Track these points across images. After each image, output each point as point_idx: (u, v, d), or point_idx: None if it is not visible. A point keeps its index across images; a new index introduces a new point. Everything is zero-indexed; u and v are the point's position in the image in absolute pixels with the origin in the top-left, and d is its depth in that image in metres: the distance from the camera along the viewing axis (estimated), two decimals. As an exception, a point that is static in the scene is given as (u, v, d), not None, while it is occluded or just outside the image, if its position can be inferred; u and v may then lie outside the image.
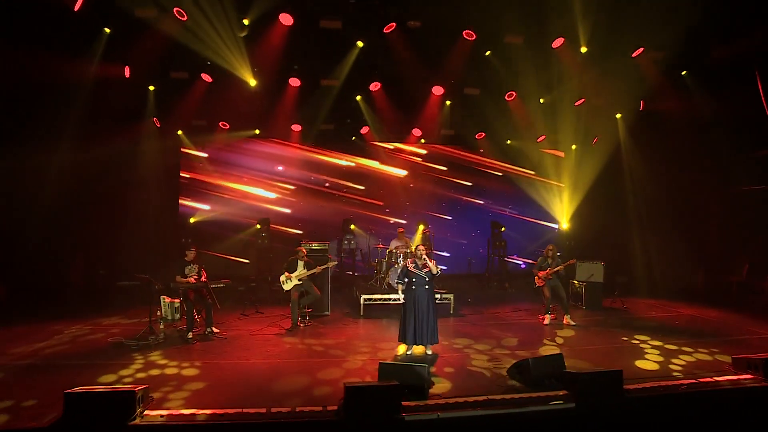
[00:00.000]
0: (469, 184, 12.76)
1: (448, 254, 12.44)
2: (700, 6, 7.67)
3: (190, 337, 6.54)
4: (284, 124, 11.26)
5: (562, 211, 12.32)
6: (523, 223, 12.84)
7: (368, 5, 8.15)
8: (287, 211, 11.97)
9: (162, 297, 7.66)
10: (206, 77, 9.82)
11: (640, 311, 8.63)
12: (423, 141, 12.43)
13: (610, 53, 8.97)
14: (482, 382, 5.04)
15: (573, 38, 8.74)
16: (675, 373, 5.25)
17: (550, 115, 11.14)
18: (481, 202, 12.87)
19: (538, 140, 12.20)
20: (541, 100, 11.07)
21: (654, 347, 6.29)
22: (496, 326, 7.53)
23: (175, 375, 5.19)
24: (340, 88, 10.08)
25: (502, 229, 11.52)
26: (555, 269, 7.72)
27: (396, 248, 9.13)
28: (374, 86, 10.54)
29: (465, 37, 8.95)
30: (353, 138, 12.07)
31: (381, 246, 9.88)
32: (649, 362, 5.70)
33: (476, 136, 12.24)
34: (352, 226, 11.60)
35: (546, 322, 7.69)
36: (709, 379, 4.78)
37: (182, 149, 11.60)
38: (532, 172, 12.50)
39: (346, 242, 11.28)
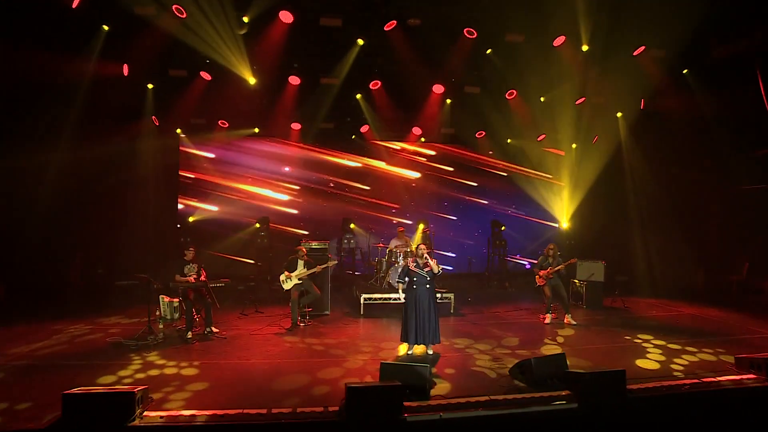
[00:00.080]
0: (475, 184, 12.73)
1: (453, 254, 12.42)
2: (701, 5, 7.64)
3: (190, 336, 6.50)
4: (284, 122, 11.20)
5: (562, 210, 12.30)
6: (524, 222, 12.81)
7: (369, 3, 8.12)
8: (294, 211, 11.92)
9: (161, 296, 7.61)
10: (205, 75, 9.76)
11: (641, 310, 8.61)
12: (423, 140, 12.39)
13: (612, 51, 8.94)
14: (484, 382, 5.01)
15: (574, 36, 8.71)
16: (676, 373, 5.24)
17: (551, 113, 11.10)
18: (485, 202, 12.84)
19: (539, 139, 12.17)
20: (542, 99, 11.04)
21: (657, 347, 6.27)
22: (497, 326, 7.51)
23: (175, 375, 5.15)
24: (340, 86, 10.03)
25: (502, 228, 11.50)
26: (556, 268, 7.69)
27: (396, 247, 9.10)
28: (374, 84, 10.50)
29: (466, 35, 8.91)
30: (353, 137, 12.02)
31: (381, 245, 9.85)
32: (651, 362, 5.69)
33: (476, 135, 12.21)
34: (352, 225, 11.56)
35: (547, 321, 7.67)
36: (712, 379, 4.76)
37: (182, 148, 11.54)
38: (533, 171, 12.47)
39: (345, 241, 11.24)
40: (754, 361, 4.88)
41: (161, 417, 3.88)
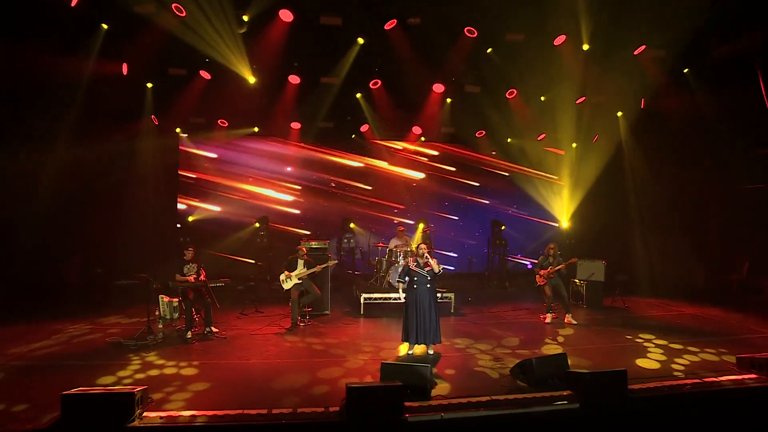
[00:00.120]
0: (477, 184, 12.71)
1: (455, 254, 12.40)
2: (701, 4, 7.62)
3: (189, 336, 6.48)
4: (284, 121, 11.18)
5: (562, 209, 12.29)
6: (524, 221, 12.80)
7: (369, 2, 8.10)
8: (296, 211, 11.89)
9: (160, 296, 7.59)
10: (205, 74, 9.73)
11: (641, 310, 8.60)
12: (423, 139, 12.37)
13: (612, 51, 8.92)
14: (485, 382, 5.00)
15: (575, 36, 8.69)
16: (677, 373, 5.22)
17: (551, 113, 11.08)
18: (487, 201, 12.82)
19: (539, 138, 12.16)
20: (542, 98, 11.03)
21: (658, 346, 6.26)
22: (497, 325, 7.49)
23: (175, 375, 5.13)
24: (340, 85, 10.00)
25: (502, 227, 11.49)
26: (556, 268, 7.68)
27: (396, 247, 9.08)
28: (374, 84, 10.47)
29: (466, 34, 8.89)
30: (353, 136, 12.00)
31: (381, 245, 9.83)
32: (651, 361, 5.68)
33: (476, 135, 12.19)
34: (352, 225, 11.55)
35: (547, 321, 7.66)
36: (714, 379, 4.75)
37: (183, 148, 11.51)
38: (534, 171, 12.45)
39: (345, 241, 11.22)
40: (756, 360, 4.87)
41: (161, 418, 3.86)
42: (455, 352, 6.07)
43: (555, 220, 12.54)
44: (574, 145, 11.96)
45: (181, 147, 11.53)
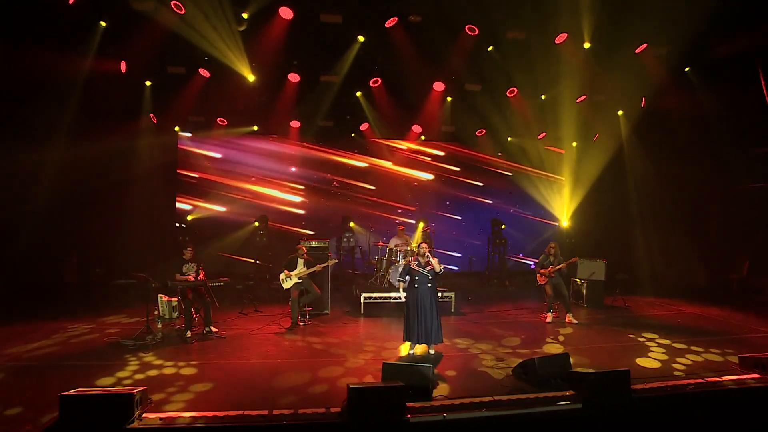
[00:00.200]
0: (480, 184, 12.68)
1: (459, 255, 12.36)
2: (702, 3, 7.59)
3: (189, 336, 6.43)
4: (283, 120, 11.13)
5: (562, 208, 12.26)
6: (524, 220, 12.78)
7: (369, -1, 8.06)
8: (301, 212, 11.84)
9: (159, 296, 7.54)
10: (204, 72, 9.67)
11: (642, 309, 8.59)
12: (423, 138, 12.33)
13: (613, 49, 8.89)
14: (487, 382, 4.97)
15: (576, 34, 8.65)
16: (677, 373, 5.20)
17: (552, 111, 11.06)
18: (490, 201, 12.79)
19: (539, 137, 12.13)
20: (543, 97, 11.00)
21: (660, 345, 6.25)
22: (498, 325, 7.47)
23: (174, 376, 5.09)
24: (340, 84, 9.95)
25: (503, 226, 11.46)
26: (557, 267, 7.66)
27: (396, 246, 9.04)
28: (374, 82, 10.42)
29: (467, 32, 8.85)
30: (353, 135, 11.95)
31: (381, 244, 9.80)
32: (652, 360, 5.66)
33: (476, 133, 12.16)
34: (352, 224, 11.51)
35: (548, 320, 7.64)
36: (717, 379, 4.72)
37: (186, 148, 11.44)
38: (534, 170, 12.43)
39: (345, 240, 11.19)
40: (759, 360, 4.85)
41: (160, 419, 3.81)
42: (456, 352, 6.04)
43: (555, 219, 12.52)
44: (574, 144, 11.94)
45: (183, 147, 11.47)
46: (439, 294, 7.64)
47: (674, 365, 5.47)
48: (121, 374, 5.10)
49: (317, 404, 4.20)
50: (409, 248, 8.70)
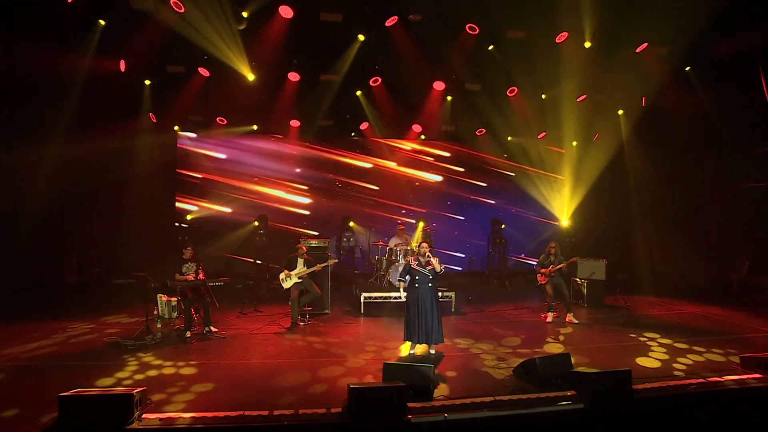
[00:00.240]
0: (484, 184, 12.65)
1: (462, 255, 12.34)
2: (704, 1, 7.58)
3: (188, 336, 6.41)
4: (283, 119, 11.10)
5: (562, 208, 12.25)
6: (524, 220, 12.76)
7: (369, -3, 8.03)
8: (306, 212, 11.81)
9: (159, 295, 7.50)
10: (203, 71, 9.64)
11: (642, 309, 8.58)
12: (423, 137, 12.31)
13: (614, 48, 8.88)
14: (488, 382, 4.95)
15: (577, 33, 8.63)
16: (677, 372, 5.19)
17: (552, 111, 11.04)
18: (493, 201, 12.77)
19: (539, 136, 12.11)
20: (543, 96, 10.98)
21: (662, 345, 6.24)
22: (498, 324, 7.45)
23: (174, 376, 5.06)
24: (340, 83, 9.92)
25: (502, 226, 11.44)
26: (558, 267, 7.64)
27: (396, 245, 9.02)
28: (374, 81, 10.40)
29: (468, 31, 8.83)
30: (353, 134, 11.92)
31: (381, 243, 9.77)
32: (652, 360, 5.65)
33: (477, 133, 12.14)
34: (351, 223, 11.49)
35: (549, 320, 7.63)
36: (719, 379, 4.71)
37: (188, 148, 11.40)
38: (534, 169, 12.41)
39: (345, 239, 11.16)
40: (761, 360, 4.84)
41: (160, 419, 3.79)
42: (457, 352, 6.02)
43: (555, 218, 12.51)
44: (574, 143, 11.93)
45: (186, 147, 11.43)
46: (440, 294, 7.63)
47: (675, 365, 5.46)
48: (120, 374, 5.07)
49: (318, 404, 4.18)
50: (409, 248, 8.68)
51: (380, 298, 8.22)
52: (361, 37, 9.01)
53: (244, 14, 8.02)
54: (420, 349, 5.95)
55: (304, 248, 7.52)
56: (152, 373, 5.15)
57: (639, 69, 9.49)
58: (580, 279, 8.95)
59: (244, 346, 6.19)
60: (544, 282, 7.74)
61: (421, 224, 10.58)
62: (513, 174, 12.51)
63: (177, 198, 11.45)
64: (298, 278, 7.25)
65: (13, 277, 8.55)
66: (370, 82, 10.43)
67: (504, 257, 11.55)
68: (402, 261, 8.48)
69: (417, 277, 5.91)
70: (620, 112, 11.29)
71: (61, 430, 3.58)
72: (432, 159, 12.55)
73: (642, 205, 11.11)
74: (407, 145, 12.43)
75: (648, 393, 4.44)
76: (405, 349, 6.03)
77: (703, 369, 5.24)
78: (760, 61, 8.54)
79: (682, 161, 10.63)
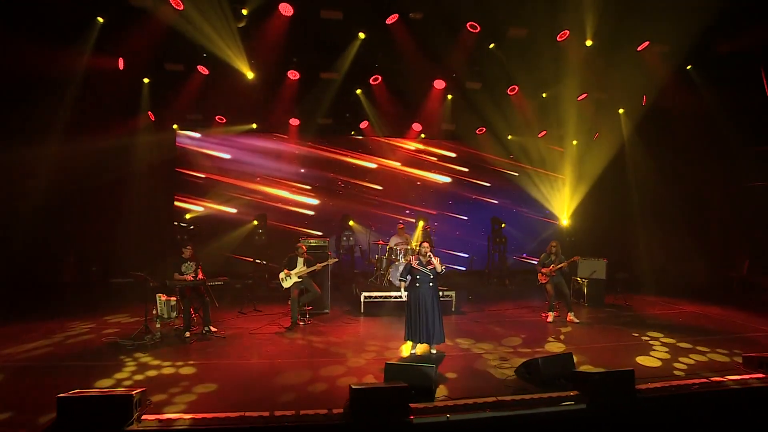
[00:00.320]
0: (488, 184, 12.62)
1: (466, 255, 12.31)
2: (705, 1, 7.55)
3: (188, 336, 6.37)
4: (282, 118, 11.03)
5: (563, 207, 12.23)
6: (524, 219, 12.72)
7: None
8: (311, 213, 11.76)
9: (158, 295, 7.45)
10: (203, 69, 9.57)
11: (643, 308, 8.57)
12: (423, 136, 12.26)
13: (615, 47, 8.84)
14: (490, 382, 4.92)
15: (578, 31, 8.60)
16: (677, 372, 5.17)
17: (553, 109, 11.01)
18: (496, 201, 12.73)
19: (540, 135, 12.08)
20: (544, 95, 10.94)
21: (663, 344, 6.22)
22: (499, 324, 7.43)
23: (173, 376, 5.02)
24: (341, 81, 9.87)
25: (502, 225, 11.41)
26: (559, 266, 7.61)
27: (396, 245, 8.98)
28: (374, 80, 10.35)
29: (468, 29, 8.78)
30: (352, 133, 11.87)
31: (381, 242, 9.73)
32: (653, 359, 5.63)
33: (477, 131, 12.11)
34: (351, 222, 11.44)
35: (549, 319, 7.60)
36: (721, 379, 4.70)
37: (189, 146, 11.34)
38: (534, 168, 12.38)
39: (344, 238, 11.11)
40: (764, 359, 4.82)
41: (160, 421, 3.76)
42: (458, 352, 5.99)
43: (555, 217, 12.49)
44: (574, 142, 11.90)
45: (185, 146, 11.36)
46: (440, 293, 7.60)
47: (675, 364, 5.44)
48: (119, 375, 5.03)
49: (319, 405, 4.15)
50: (409, 247, 8.64)
51: (380, 297, 8.19)
52: (361, 35, 8.96)
53: (244, 12, 7.96)
54: (421, 348, 5.92)
55: (304, 247, 7.47)
56: (151, 373, 5.11)
57: (640, 67, 9.46)
58: (581, 278, 8.93)
59: (243, 346, 6.15)
60: (544, 281, 7.72)
61: (421, 223, 10.53)
62: (516, 174, 12.46)
63: (176, 197, 11.38)
64: (298, 277, 7.21)
65: (10, 276, 8.49)
66: (371, 81, 10.37)
67: (504, 256, 11.52)
68: (402, 260, 8.45)
69: (418, 277, 5.88)
70: (621, 110, 11.26)
71: (60, 431, 3.54)
72: (435, 159, 12.49)
73: (642, 204, 11.09)
74: (412, 145, 12.37)
75: (651, 393, 4.43)
76: (406, 349, 6.00)
77: (704, 369, 5.22)
78: (761, 60, 8.52)
79: (683, 160, 10.62)
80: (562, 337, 6.75)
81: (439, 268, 5.84)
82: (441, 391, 4.60)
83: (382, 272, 9.20)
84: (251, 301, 8.38)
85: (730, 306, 8.52)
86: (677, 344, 6.21)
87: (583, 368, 5.17)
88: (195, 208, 11.43)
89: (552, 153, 12.27)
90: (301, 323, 7.25)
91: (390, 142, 12.23)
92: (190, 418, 3.82)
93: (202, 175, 11.38)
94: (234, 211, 11.41)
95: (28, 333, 6.57)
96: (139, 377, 4.99)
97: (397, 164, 12.23)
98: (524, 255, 12.43)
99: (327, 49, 9.23)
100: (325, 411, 3.99)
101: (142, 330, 6.29)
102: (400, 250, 8.75)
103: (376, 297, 8.18)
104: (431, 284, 5.86)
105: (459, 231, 12.50)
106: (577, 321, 7.49)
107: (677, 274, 10.47)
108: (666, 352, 5.92)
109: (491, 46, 9.32)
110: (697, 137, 10.22)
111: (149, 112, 10.40)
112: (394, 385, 4.00)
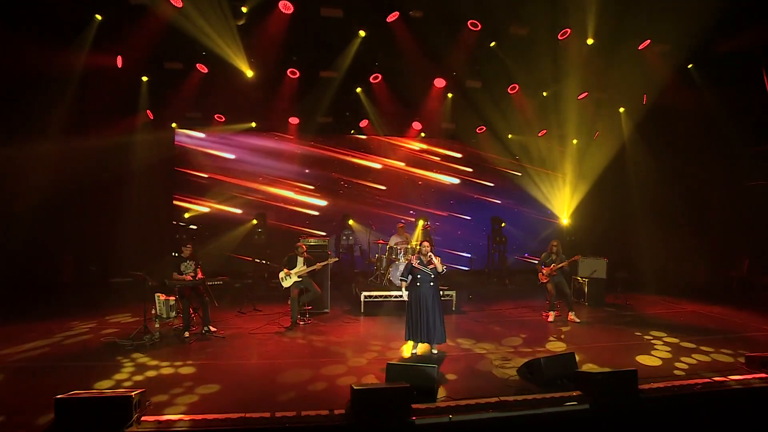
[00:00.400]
0: (492, 184, 12.59)
1: (469, 255, 12.27)
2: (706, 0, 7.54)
3: (187, 336, 6.33)
4: (282, 116, 10.98)
5: (563, 206, 12.21)
6: (524, 218, 12.71)
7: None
8: (315, 213, 11.72)
9: (157, 294, 7.40)
10: (202, 68, 9.52)
11: (643, 307, 8.55)
12: (423, 135, 12.22)
13: (616, 45, 8.82)
14: (492, 382, 4.89)
15: (579, 30, 8.57)
16: (677, 372, 5.16)
17: (554, 108, 10.98)
18: (499, 201, 12.70)
19: (540, 134, 12.06)
20: (544, 94, 10.91)
21: (666, 344, 6.20)
22: (499, 323, 7.41)
23: (173, 376, 4.98)
24: (341, 80, 9.82)
25: (503, 224, 11.38)
26: (560, 265, 7.59)
27: (396, 244, 8.95)
28: (374, 78, 10.30)
29: (469, 27, 8.75)
30: (352, 131, 11.82)
31: (381, 242, 9.70)
32: (653, 359, 5.61)
33: (477, 130, 12.07)
34: (351, 222, 11.40)
35: (550, 319, 7.58)
36: (724, 379, 4.68)
37: (191, 147, 11.28)
38: (535, 167, 12.35)
39: (344, 238, 11.07)
40: (766, 360, 4.80)
41: (159, 422, 3.72)
42: (459, 352, 5.97)
43: (556, 217, 12.47)
44: (574, 141, 11.88)
45: (184, 144, 11.30)
46: (440, 293, 7.56)
47: (677, 364, 5.42)
48: (118, 376, 4.99)
49: (320, 405, 4.12)
50: (409, 246, 8.61)
51: (380, 297, 8.16)
52: (361, 33, 8.92)
53: (244, 10, 7.90)
54: (421, 348, 5.89)
55: (303, 247, 7.44)
56: (150, 373, 5.07)
57: (641, 66, 9.44)
58: (582, 277, 8.91)
59: (243, 346, 6.12)
60: (545, 281, 7.69)
61: (421, 222, 10.49)
62: (519, 174, 12.43)
63: (175, 196, 11.33)
64: (298, 277, 7.17)
65: (8, 275, 8.43)
66: (371, 79, 10.32)
67: (504, 255, 11.49)
68: (402, 259, 8.42)
69: (418, 276, 5.84)
70: (621, 109, 11.24)
71: (58, 433, 3.50)
72: (438, 159, 12.45)
73: (643, 204, 11.07)
74: (416, 145, 12.32)
75: (654, 393, 4.41)
76: (407, 349, 5.97)
77: (705, 368, 5.21)
78: (762, 59, 8.50)
79: (683, 159, 10.60)
80: (563, 336, 6.73)
81: (439, 267, 5.81)
82: (443, 391, 4.56)
83: (382, 272, 9.17)
84: (251, 301, 8.34)
85: (730, 305, 8.52)
86: (680, 344, 6.19)
87: (586, 368, 5.15)
88: (195, 207, 11.39)
89: (552, 152, 12.25)
90: (301, 323, 7.22)
91: (390, 141, 12.19)
92: (190, 420, 3.78)
93: (202, 174, 11.33)
94: (235, 210, 11.36)
95: (26, 333, 6.52)
96: (138, 378, 4.95)
97: (401, 164, 12.20)
98: (525, 254, 12.41)
99: (327, 48, 9.19)
100: (326, 411, 3.96)
101: (141, 330, 6.25)
102: (400, 249, 8.72)
103: (376, 296, 8.15)
104: (432, 284, 5.83)
105: (461, 231, 12.47)
106: (578, 320, 7.47)
107: (677, 274, 10.47)
108: (668, 351, 5.90)
109: (492, 44, 9.29)
110: (698, 137, 10.20)
111: (148, 111, 10.34)
112: (395, 386, 3.97)
